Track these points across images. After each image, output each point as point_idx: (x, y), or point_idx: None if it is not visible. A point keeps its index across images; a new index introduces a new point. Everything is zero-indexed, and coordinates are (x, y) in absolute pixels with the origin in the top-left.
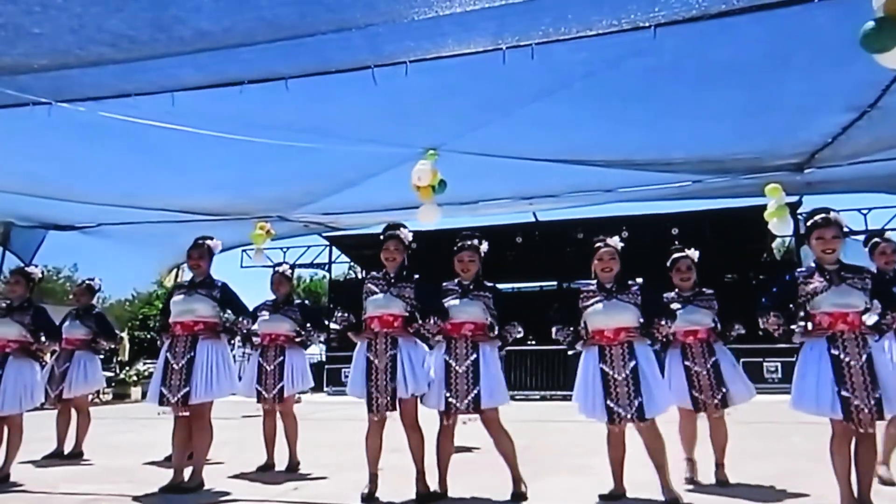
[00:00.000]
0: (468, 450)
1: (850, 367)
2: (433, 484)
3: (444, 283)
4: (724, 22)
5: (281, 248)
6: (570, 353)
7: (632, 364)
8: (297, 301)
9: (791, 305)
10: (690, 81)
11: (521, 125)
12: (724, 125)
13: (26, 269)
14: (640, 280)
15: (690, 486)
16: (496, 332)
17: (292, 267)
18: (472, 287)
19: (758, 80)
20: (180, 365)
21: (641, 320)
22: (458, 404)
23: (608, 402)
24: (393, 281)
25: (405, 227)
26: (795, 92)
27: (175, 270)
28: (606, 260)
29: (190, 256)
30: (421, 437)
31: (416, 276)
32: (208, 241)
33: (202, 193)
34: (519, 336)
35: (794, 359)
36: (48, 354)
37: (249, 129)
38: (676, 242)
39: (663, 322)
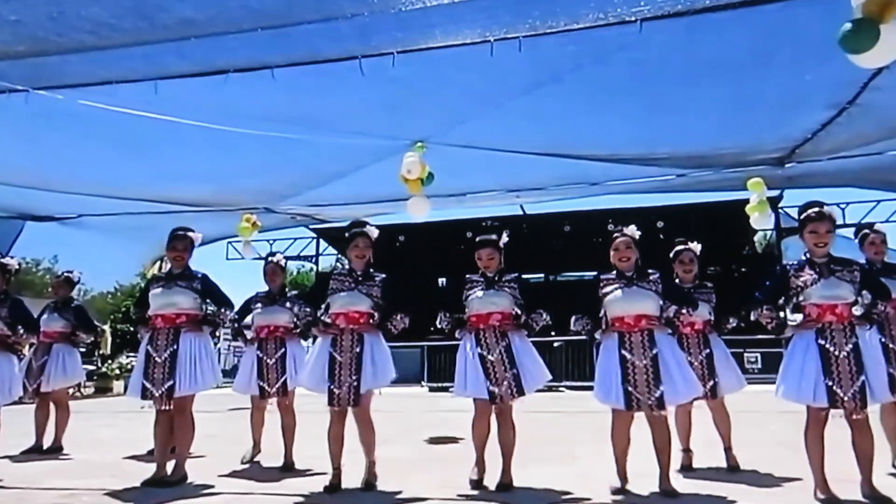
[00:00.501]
0: (454, 440)
1: (837, 358)
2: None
3: (468, 275)
4: (709, 18)
5: (267, 241)
6: (597, 340)
7: (653, 352)
8: (292, 293)
9: (783, 298)
10: (676, 77)
11: (509, 118)
12: (709, 120)
13: (2, 260)
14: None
15: (682, 475)
16: (522, 321)
17: (286, 258)
18: (496, 278)
19: (741, 77)
20: (163, 358)
21: (662, 309)
22: (500, 391)
23: (627, 386)
24: (360, 279)
25: (369, 223)
26: (777, 88)
27: (158, 262)
28: (623, 249)
29: (174, 248)
30: (373, 430)
31: (384, 276)
32: (190, 233)
33: (185, 184)
34: (546, 324)
35: (774, 349)
36: (26, 347)
37: (234, 120)
38: (661, 236)
39: (685, 311)
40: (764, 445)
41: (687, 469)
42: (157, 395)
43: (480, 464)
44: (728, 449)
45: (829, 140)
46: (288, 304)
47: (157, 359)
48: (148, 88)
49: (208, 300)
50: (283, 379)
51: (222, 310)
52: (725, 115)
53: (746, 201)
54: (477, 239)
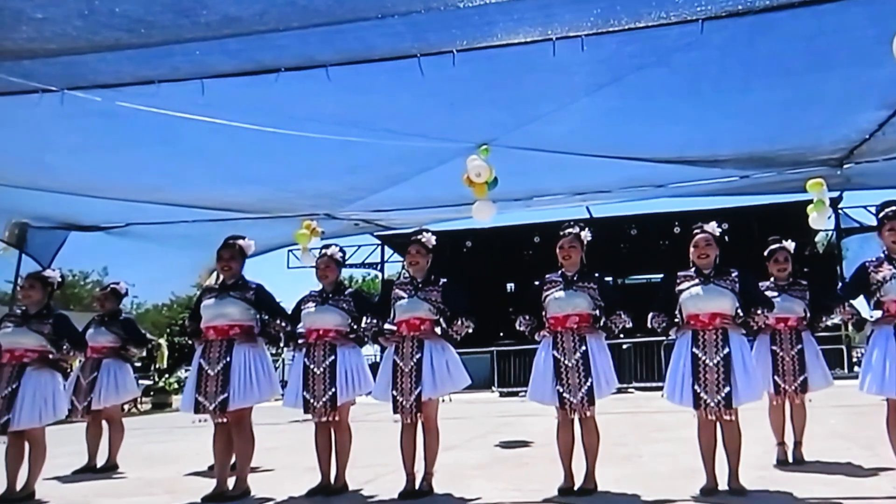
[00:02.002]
0: (525, 444)
1: None
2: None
3: (548, 275)
4: (767, 17)
5: None
6: (665, 341)
7: (725, 351)
8: (350, 290)
9: (863, 294)
10: (735, 77)
11: (572, 120)
12: (768, 121)
13: (43, 273)
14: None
15: (780, 470)
16: (601, 324)
17: (342, 250)
18: (575, 278)
19: (799, 77)
20: (216, 371)
21: (738, 308)
22: (572, 399)
23: (696, 386)
24: (420, 285)
25: (429, 231)
26: (834, 88)
27: (215, 273)
28: (702, 246)
29: (220, 258)
30: (438, 439)
31: (444, 280)
32: (239, 241)
33: (239, 187)
34: (627, 326)
35: (831, 347)
36: (75, 363)
37: (288, 121)
38: (726, 238)
39: (760, 311)
40: (827, 439)
41: (782, 463)
42: (210, 408)
43: (568, 474)
44: (798, 443)
45: (886, 140)
46: (343, 304)
47: (209, 372)
48: (194, 88)
49: (262, 311)
50: (331, 391)
51: (277, 321)
52: (784, 115)
53: (808, 202)
54: (560, 232)
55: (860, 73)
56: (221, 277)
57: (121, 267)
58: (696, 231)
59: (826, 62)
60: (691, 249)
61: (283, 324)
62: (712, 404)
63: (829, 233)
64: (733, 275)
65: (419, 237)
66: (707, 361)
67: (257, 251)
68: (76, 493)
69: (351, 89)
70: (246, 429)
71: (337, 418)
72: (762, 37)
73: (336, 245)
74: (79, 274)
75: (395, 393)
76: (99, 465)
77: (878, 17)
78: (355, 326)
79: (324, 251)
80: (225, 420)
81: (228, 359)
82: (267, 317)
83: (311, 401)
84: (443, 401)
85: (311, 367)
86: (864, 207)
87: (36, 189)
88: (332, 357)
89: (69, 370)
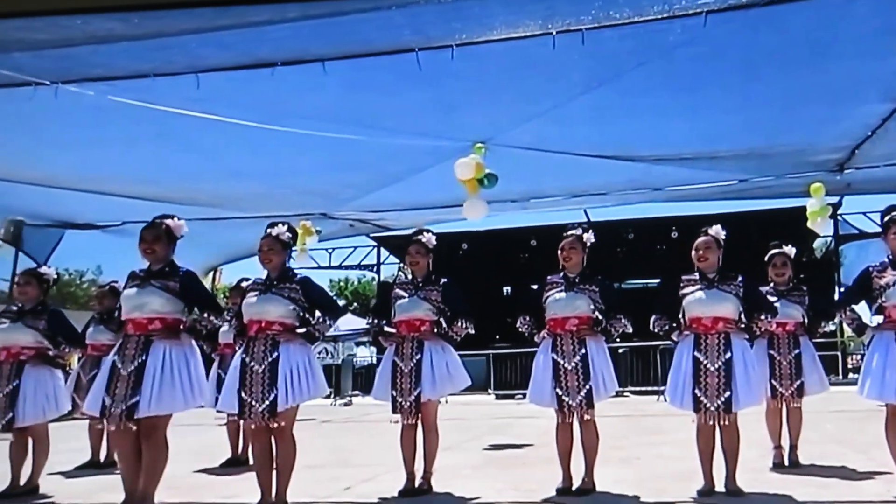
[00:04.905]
0: (519, 446)
1: None
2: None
3: (549, 276)
4: (772, 10)
5: (326, 249)
6: (661, 345)
7: (727, 356)
8: (299, 277)
9: (865, 299)
10: (738, 70)
11: (571, 118)
12: (770, 115)
13: (38, 269)
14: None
15: (776, 472)
16: (601, 326)
17: (290, 229)
18: (577, 280)
19: (801, 69)
20: (128, 370)
21: (741, 313)
22: (570, 402)
23: (696, 390)
24: (420, 285)
25: (430, 231)
26: (837, 81)
27: (213, 272)
28: (702, 250)
29: (143, 239)
30: (437, 439)
31: (445, 280)
32: (167, 221)
33: (233, 183)
34: (627, 330)
35: (826, 353)
36: (74, 361)
37: (284, 117)
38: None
39: (764, 317)
40: (821, 443)
41: (779, 466)
42: (115, 412)
43: (567, 474)
44: (794, 447)
45: (888, 139)
46: (289, 293)
47: (122, 371)
48: (189, 82)
49: (189, 302)
50: (271, 395)
51: (206, 315)
52: (786, 109)
53: (804, 208)
54: (563, 233)
55: (863, 66)
56: (148, 263)
57: (115, 266)
58: (701, 234)
59: (829, 55)
60: (692, 252)
61: (213, 318)
62: (712, 409)
63: (828, 239)
64: (738, 279)
65: (419, 237)
66: (708, 366)
67: (255, 252)
68: (79, 488)
69: (348, 84)
70: (157, 440)
71: (276, 426)
72: (765, 30)
73: (284, 223)
74: (74, 273)
75: (394, 393)
76: (102, 461)
77: (882, 8)
78: (306, 316)
79: (268, 230)
80: (125, 426)
81: (144, 357)
82: (196, 310)
83: (249, 401)
84: (439, 402)
85: (252, 363)
86: (864, 214)
87: (30, 184)
88: (275, 354)
89: (68, 367)
